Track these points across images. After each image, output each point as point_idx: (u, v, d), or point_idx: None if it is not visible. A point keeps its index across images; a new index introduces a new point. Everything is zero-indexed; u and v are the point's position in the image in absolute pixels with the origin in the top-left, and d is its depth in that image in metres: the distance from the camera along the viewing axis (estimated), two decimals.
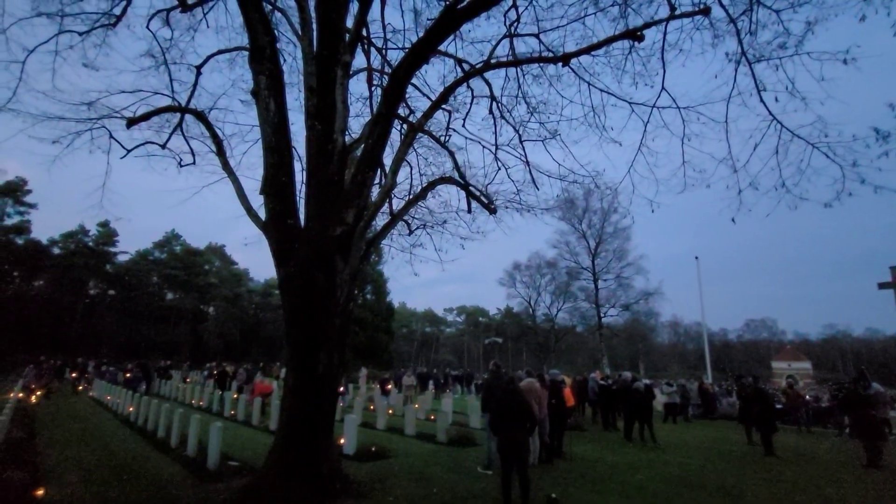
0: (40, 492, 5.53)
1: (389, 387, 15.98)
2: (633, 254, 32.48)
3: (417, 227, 10.38)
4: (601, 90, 7.78)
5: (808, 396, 14.88)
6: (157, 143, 8.68)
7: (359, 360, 35.91)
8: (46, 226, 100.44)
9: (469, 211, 9.69)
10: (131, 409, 13.51)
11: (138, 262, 54.82)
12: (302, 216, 6.56)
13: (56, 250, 49.31)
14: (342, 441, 8.47)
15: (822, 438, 12.24)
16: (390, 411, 13.65)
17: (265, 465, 5.81)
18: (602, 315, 30.94)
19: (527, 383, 7.81)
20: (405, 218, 9.78)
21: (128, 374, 21.17)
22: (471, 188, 8.97)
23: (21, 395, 16.28)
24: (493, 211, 9.17)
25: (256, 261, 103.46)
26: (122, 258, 53.70)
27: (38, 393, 17.25)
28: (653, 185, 7.11)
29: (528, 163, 8.63)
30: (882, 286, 11.05)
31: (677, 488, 6.92)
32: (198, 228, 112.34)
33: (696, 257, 25.62)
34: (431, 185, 8.09)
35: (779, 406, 12.51)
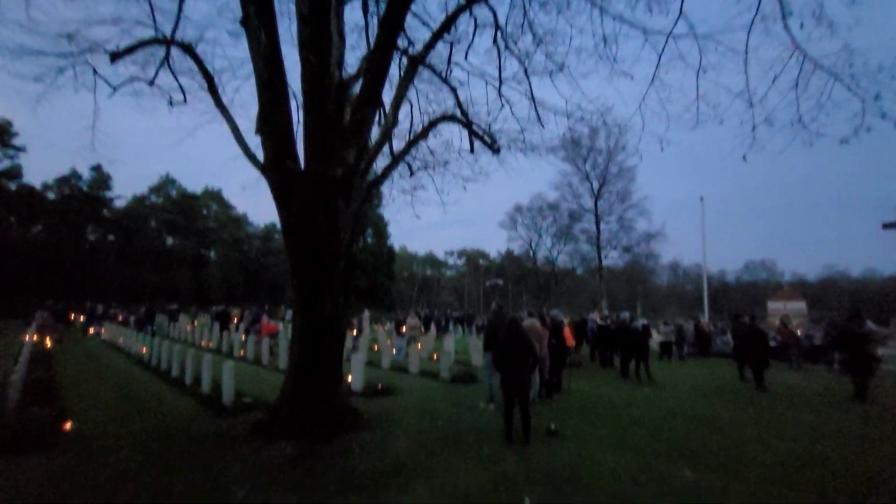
0: (67, 426, 5.81)
1: (404, 329, 16.68)
2: (637, 195, 32.18)
3: (419, 169, 10.14)
4: (613, 17, 7.23)
5: (800, 335, 15.32)
6: (143, 80, 8.21)
7: (361, 303, 36.77)
8: (37, 170, 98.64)
9: (472, 151, 9.39)
10: (144, 350, 13.98)
11: (135, 206, 54.37)
12: (301, 157, 6.34)
13: (51, 195, 48.74)
14: (350, 379, 8.81)
15: (812, 375, 12.72)
16: (393, 351, 14.12)
17: (278, 401, 6.05)
18: (603, 257, 31.19)
19: (529, 323, 7.97)
20: (406, 159, 9.51)
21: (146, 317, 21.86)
22: (473, 127, 8.63)
23: (35, 338, 16.78)
24: (496, 151, 8.89)
25: (255, 205, 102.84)
26: (118, 203, 53.29)
27: (49, 339, 17.77)
28: (664, 122, 6.82)
29: (533, 99, 8.22)
30: (886, 226, 10.91)
31: (670, 419, 7.28)
32: (192, 172, 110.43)
33: (701, 198, 25.28)
34: (433, 124, 7.76)
35: (773, 344, 12.91)
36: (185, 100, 8.47)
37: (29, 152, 45.87)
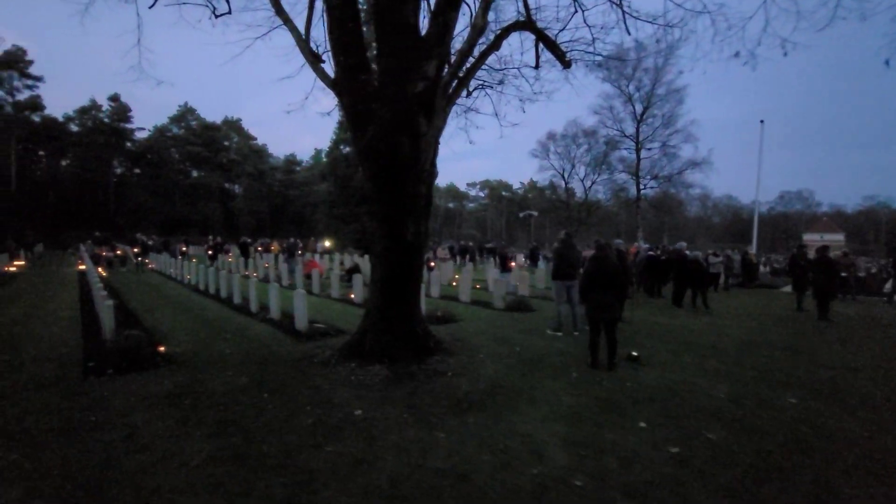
0: (161, 348, 6.00)
1: (513, 263, 14.88)
2: (684, 119, 29.93)
3: (476, 87, 9.35)
4: None
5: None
6: None
7: None
8: (55, 102, 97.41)
9: (537, 66, 8.58)
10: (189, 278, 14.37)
11: (157, 138, 53.99)
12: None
13: (73, 127, 48.51)
14: None
15: (868, 306, 12.41)
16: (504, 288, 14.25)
17: (362, 325, 6.08)
18: (642, 187, 29.95)
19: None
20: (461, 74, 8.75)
21: (210, 252, 22.47)
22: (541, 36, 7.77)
23: (87, 267, 17.40)
24: (567, 64, 8.05)
25: (274, 135, 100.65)
26: (139, 135, 52.93)
27: (101, 269, 18.41)
28: (791, 20, 5.93)
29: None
30: None
31: (745, 347, 7.18)
32: (208, 101, 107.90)
33: (762, 121, 23.28)
34: (506, 32, 6.95)
35: (843, 274, 12.48)
36: (230, 10, 7.80)
37: (47, 82, 45.10)
